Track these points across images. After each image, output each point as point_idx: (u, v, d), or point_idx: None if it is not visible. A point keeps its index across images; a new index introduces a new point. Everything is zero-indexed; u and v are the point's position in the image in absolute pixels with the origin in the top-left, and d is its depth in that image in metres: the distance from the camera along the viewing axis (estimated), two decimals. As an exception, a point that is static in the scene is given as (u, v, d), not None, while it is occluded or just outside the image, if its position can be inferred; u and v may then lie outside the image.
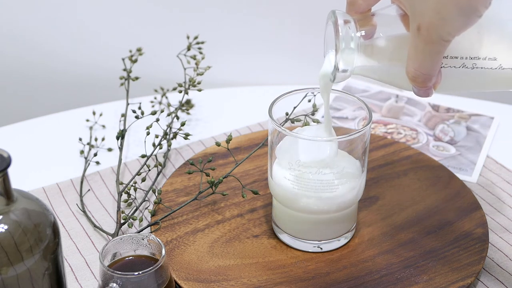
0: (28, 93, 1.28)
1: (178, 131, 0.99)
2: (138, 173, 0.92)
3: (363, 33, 0.71)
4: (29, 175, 0.97)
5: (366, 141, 0.80)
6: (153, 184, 0.93)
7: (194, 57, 1.03)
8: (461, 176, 0.97)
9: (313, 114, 0.91)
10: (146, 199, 0.91)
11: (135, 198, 0.91)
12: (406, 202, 0.91)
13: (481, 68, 0.70)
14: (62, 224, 0.89)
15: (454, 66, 0.70)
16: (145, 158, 0.95)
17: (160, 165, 0.94)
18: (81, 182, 0.94)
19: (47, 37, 1.22)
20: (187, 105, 1.09)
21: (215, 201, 0.91)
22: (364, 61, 0.72)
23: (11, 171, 0.63)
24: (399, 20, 0.70)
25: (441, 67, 0.69)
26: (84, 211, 0.90)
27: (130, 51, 1.07)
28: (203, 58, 1.03)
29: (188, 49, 1.04)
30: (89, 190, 0.94)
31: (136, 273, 0.71)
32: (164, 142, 1.00)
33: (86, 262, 0.85)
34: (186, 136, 0.93)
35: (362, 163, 0.81)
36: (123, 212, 0.88)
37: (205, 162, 0.93)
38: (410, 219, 0.89)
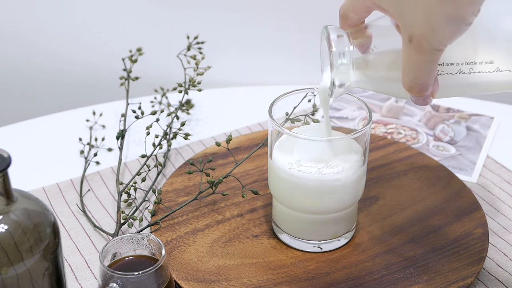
0: (28, 93, 1.28)
1: (178, 131, 0.99)
2: (138, 173, 0.92)
3: (355, 47, 0.71)
4: (29, 175, 0.97)
5: (366, 141, 0.80)
6: (153, 184, 0.93)
7: (194, 57, 1.03)
8: (461, 176, 0.97)
9: (313, 114, 0.91)
10: (146, 199, 0.91)
11: (135, 198, 0.91)
12: (406, 202, 0.91)
13: (478, 72, 0.69)
14: (62, 224, 0.89)
15: (451, 73, 0.69)
16: (145, 158, 0.95)
17: (160, 165, 0.94)
18: (81, 182, 0.94)
19: (47, 37, 1.22)
20: (187, 105, 1.09)
21: (215, 201, 0.91)
22: (360, 74, 0.72)
23: (11, 171, 0.63)
24: (393, 30, 0.70)
25: (438, 75, 0.69)
26: (84, 211, 0.90)
27: (130, 51, 1.08)
28: (203, 58, 1.03)
29: (188, 49, 1.04)
30: (89, 190, 0.94)
31: (136, 273, 0.71)
32: (164, 142, 1.00)
33: (86, 262, 0.85)
34: (186, 136, 0.93)
35: (362, 163, 0.81)
36: (123, 212, 0.88)
37: (205, 162, 0.93)
38: (410, 219, 0.89)
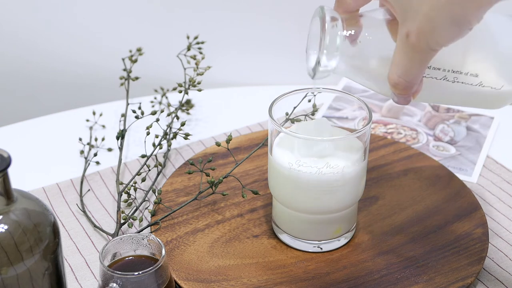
0: (28, 93, 1.28)
1: (178, 131, 0.99)
2: (138, 173, 0.92)
3: (348, 33, 0.70)
4: (29, 175, 0.97)
5: (366, 141, 0.80)
6: (153, 184, 0.93)
7: (194, 57, 1.03)
8: (461, 176, 0.97)
9: (313, 114, 0.90)
10: (146, 199, 0.91)
11: (135, 198, 0.91)
12: (406, 202, 0.91)
13: (462, 83, 0.69)
14: (62, 224, 0.89)
15: (436, 78, 0.69)
16: (145, 158, 0.95)
17: (160, 165, 0.94)
18: (81, 182, 0.94)
19: (47, 37, 1.22)
20: (187, 105, 1.09)
21: (215, 201, 0.91)
22: (346, 61, 0.71)
23: (11, 171, 0.63)
24: (385, 25, 0.70)
25: (423, 77, 0.69)
26: (84, 211, 0.90)
27: (130, 51, 1.08)
28: (203, 58, 1.03)
29: (188, 49, 1.04)
30: (89, 190, 0.94)
31: (136, 273, 0.71)
32: (164, 142, 1.00)
33: (86, 262, 0.85)
34: (186, 136, 0.93)
35: (362, 163, 0.81)
36: (123, 212, 0.88)
37: (205, 162, 0.93)
38: (410, 219, 0.89)
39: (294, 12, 1.19)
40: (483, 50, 0.69)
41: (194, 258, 0.83)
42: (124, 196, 0.92)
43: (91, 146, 1.00)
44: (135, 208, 0.89)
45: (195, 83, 1.00)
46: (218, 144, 0.91)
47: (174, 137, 0.96)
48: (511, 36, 0.69)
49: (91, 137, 1.03)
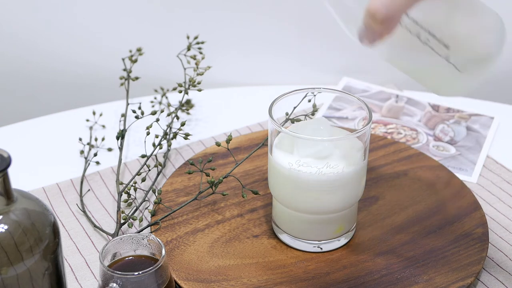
0: (28, 93, 1.28)
1: (178, 131, 0.99)
2: (138, 173, 0.92)
3: None
4: (29, 175, 0.97)
5: (366, 141, 0.80)
6: (153, 184, 0.93)
7: (194, 57, 1.03)
8: (461, 176, 0.97)
9: (313, 114, 0.90)
10: (146, 199, 0.91)
11: (135, 198, 0.91)
12: (406, 202, 0.91)
13: (430, 48, 0.67)
14: (62, 224, 0.89)
15: (409, 31, 0.67)
16: (145, 158, 0.95)
17: (160, 165, 0.94)
18: (81, 182, 0.94)
19: (47, 37, 1.22)
20: (187, 105, 1.09)
21: (215, 201, 0.91)
22: None
23: (11, 171, 0.63)
24: None
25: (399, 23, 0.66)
26: (84, 211, 0.90)
27: (130, 51, 1.08)
28: (203, 58, 1.03)
29: (188, 49, 1.04)
30: (89, 190, 0.94)
31: (136, 273, 0.71)
32: (164, 142, 1.00)
33: (86, 262, 0.85)
34: (186, 136, 0.93)
35: (362, 163, 0.81)
36: (123, 212, 0.88)
37: (205, 162, 0.93)
38: (410, 219, 0.89)
39: (294, 12, 1.19)
40: (466, 28, 0.67)
41: (194, 258, 0.83)
42: (124, 196, 0.92)
43: (91, 146, 1.00)
44: (135, 208, 0.89)
45: (195, 83, 1.00)
46: (218, 144, 0.91)
47: (174, 137, 0.96)
48: (494, 34, 0.68)
49: (91, 137, 1.03)
